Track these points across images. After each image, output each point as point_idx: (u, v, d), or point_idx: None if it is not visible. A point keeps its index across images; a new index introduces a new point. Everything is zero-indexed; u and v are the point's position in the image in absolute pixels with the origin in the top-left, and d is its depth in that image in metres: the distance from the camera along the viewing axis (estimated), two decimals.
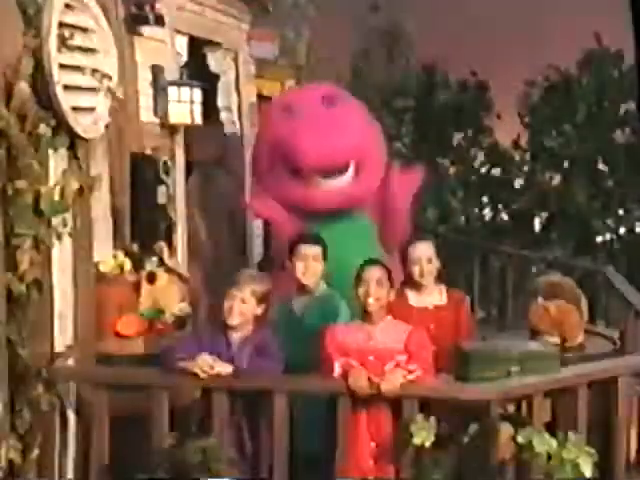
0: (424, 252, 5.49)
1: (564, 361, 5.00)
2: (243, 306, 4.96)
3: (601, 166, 12.65)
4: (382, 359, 4.77)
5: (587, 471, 4.35)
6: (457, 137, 13.53)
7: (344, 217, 6.44)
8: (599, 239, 12.33)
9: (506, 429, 4.47)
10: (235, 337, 4.97)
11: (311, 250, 5.46)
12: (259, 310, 5.03)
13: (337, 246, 5.60)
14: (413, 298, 5.47)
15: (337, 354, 4.79)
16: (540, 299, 5.84)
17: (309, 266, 5.42)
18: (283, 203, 6.43)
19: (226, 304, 4.97)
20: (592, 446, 4.49)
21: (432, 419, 4.45)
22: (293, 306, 5.46)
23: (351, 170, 6.44)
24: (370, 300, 4.85)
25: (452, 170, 13.32)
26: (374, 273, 4.91)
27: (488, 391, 4.60)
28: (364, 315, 4.91)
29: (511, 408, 4.82)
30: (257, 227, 8.51)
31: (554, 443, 4.35)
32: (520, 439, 4.38)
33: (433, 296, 5.49)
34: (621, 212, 12.30)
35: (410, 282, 5.51)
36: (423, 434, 4.43)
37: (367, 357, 4.79)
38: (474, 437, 4.45)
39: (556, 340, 5.67)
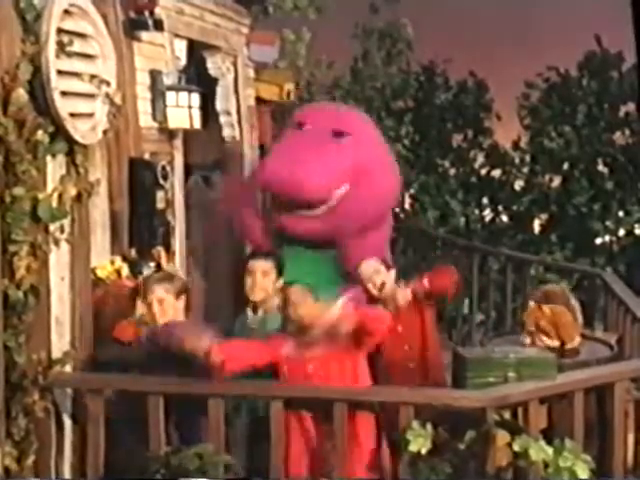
0: (373, 267, 5.59)
1: (561, 367, 5.01)
2: (161, 308, 5.09)
3: (601, 168, 12.63)
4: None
5: (584, 478, 4.36)
6: (457, 138, 13.50)
7: (317, 246, 6.43)
8: (599, 241, 12.32)
9: (502, 436, 4.47)
10: None
11: (259, 265, 5.49)
12: (181, 303, 5.17)
13: (306, 275, 5.52)
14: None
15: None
16: (532, 303, 5.87)
17: (256, 281, 5.44)
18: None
19: (147, 314, 5.15)
20: (589, 452, 4.50)
21: (429, 426, 4.46)
22: (248, 321, 5.49)
23: (323, 207, 6.38)
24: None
25: (452, 171, 13.30)
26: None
27: (483, 398, 4.60)
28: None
29: (507, 414, 4.81)
30: None
31: (550, 451, 4.36)
32: (516, 447, 4.38)
33: (398, 297, 5.55)
34: (621, 214, 12.28)
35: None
36: (420, 441, 4.43)
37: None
38: (470, 444, 4.45)
39: (555, 343, 5.68)
